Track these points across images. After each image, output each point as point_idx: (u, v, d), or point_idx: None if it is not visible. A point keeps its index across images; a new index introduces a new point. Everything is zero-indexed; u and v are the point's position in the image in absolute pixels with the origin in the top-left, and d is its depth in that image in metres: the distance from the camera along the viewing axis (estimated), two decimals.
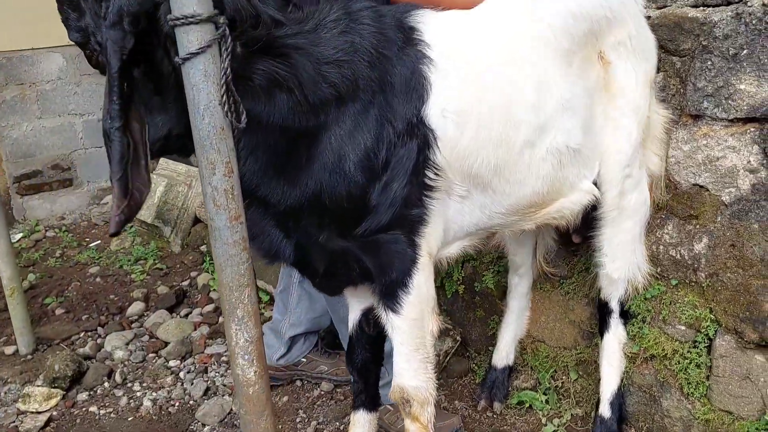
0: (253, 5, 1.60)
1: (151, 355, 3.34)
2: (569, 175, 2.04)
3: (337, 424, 2.76)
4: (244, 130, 1.45)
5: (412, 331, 1.89)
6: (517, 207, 2.01)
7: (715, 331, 2.20)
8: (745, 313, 2.10)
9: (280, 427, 2.79)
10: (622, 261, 2.26)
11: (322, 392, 2.97)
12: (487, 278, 2.86)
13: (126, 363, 3.28)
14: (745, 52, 2.07)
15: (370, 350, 2.27)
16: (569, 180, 2.05)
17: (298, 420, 2.82)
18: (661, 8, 2.34)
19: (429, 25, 1.81)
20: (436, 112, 1.75)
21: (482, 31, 1.90)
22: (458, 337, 2.97)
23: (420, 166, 1.75)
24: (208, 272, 4.07)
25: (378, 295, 1.89)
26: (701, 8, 2.23)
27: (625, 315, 2.38)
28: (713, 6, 2.22)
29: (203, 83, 1.36)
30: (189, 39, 1.34)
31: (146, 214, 4.48)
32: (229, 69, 1.37)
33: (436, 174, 1.78)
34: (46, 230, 5.05)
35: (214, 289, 3.89)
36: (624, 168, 2.12)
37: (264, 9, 1.62)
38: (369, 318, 2.19)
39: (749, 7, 2.08)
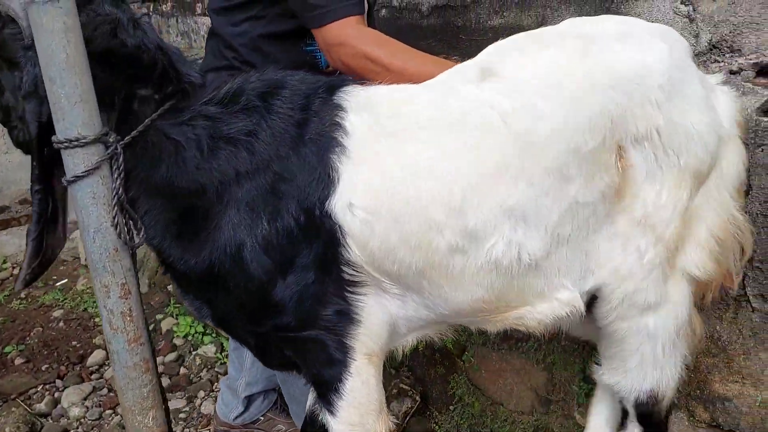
0: (179, 73, 1.57)
1: (108, 411, 3.26)
2: (531, 284, 1.69)
3: None
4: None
5: None
6: (462, 311, 1.72)
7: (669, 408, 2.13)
8: (696, 392, 2.03)
9: None
10: (630, 380, 1.82)
11: None
12: (446, 339, 2.79)
13: (81, 421, 3.20)
14: None
15: None
16: (532, 290, 1.70)
17: None
18: None
19: (354, 104, 1.62)
20: (342, 206, 1.54)
21: (415, 114, 1.62)
22: (417, 397, 2.90)
23: (330, 262, 1.58)
24: (173, 316, 3.99)
25: (312, 391, 1.79)
26: None
27: (652, 424, 1.90)
28: None
29: (92, 206, 1.29)
30: (74, 161, 1.27)
31: None
32: (121, 188, 1.29)
33: (355, 271, 1.59)
34: (14, 267, 4.97)
35: (177, 335, 3.81)
36: (632, 294, 1.69)
37: (187, 74, 1.60)
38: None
39: None
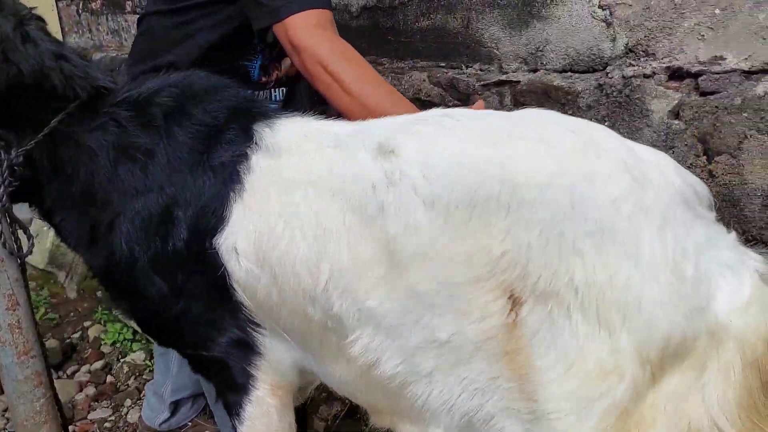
0: (86, 78, 1.52)
1: None
2: (398, 400, 1.40)
3: None
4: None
5: None
6: (350, 388, 1.54)
7: None
8: None
9: None
10: None
11: None
12: None
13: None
14: (606, 124, 2.02)
15: None
16: (402, 406, 1.42)
17: None
18: (532, 71, 2.29)
19: (267, 139, 1.49)
20: (228, 248, 1.45)
21: (315, 168, 1.41)
22: (347, 400, 2.87)
23: (225, 292, 1.50)
24: (101, 323, 3.88)
25: None
26: (568, 74, 2.18)
27: None
28: (580, 72, 2.16)
29: None
30: None
31: (38, 259, 4.25)
32: (5, 197, 1.24)
33: (250, 311, 1.51)
34: None
35: (105, 342, 3.70)
36: None
37: (95, 77, 1.54)
38: None
39: (610, 78, 2.03)
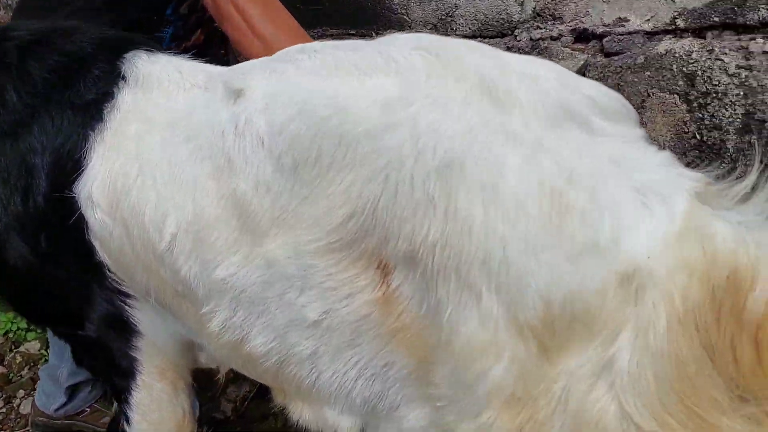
0: None
1: None
2: (296, 379, 1.23)
3: None
4: None
5: None
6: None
7: None
8: None
9: None
10: None
11: None
12: None
13: None
14: None
15: None
16: (300, 386, 1.23)
17: None
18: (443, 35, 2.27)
19: (136, 76, 1.32)
20: (85, 197, 1.26)
21: (176, 106, 1.27)
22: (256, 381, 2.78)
23: (89, 259, 1.31)
24: None
25: None
26: (477, 39, 2.17)
27: None
28: (490, 37, 2.16)
29: None
30: None
31: None
32: None
33: (116, 277, 1.32)
34: None
35: None
36: None
37: None
38: None
39: (519, 41, 2.03)
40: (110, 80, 1.31)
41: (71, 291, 1.37)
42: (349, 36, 2.53)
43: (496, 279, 0.89)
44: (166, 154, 1.20)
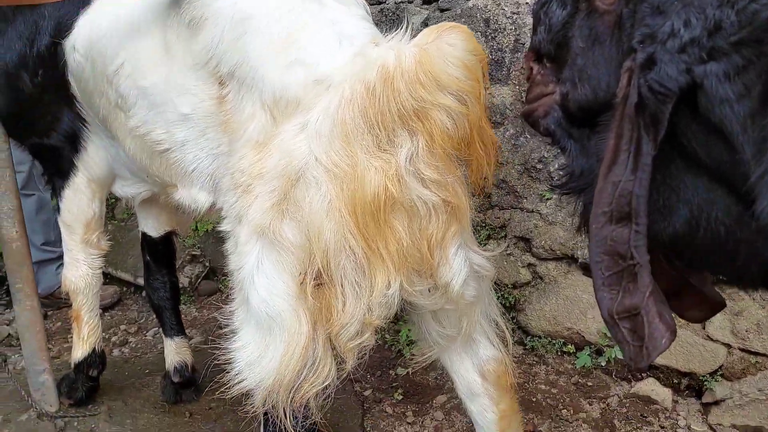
0: None
1: None
2: (166, 167, 1.96)
3: (104, 335, 3.34)
4: None
5: (65, 230, 2.39)
6: (137, 165, 2.11)
7: None
8: None
9: (52, 345, 3.29)
10: None
11: None
12: None
13: None
14: (385, 33, 3.03)
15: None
16: (178, 171, 1.93)
17: (70, 336, 3.36)
18: None
19: None
20: (69, 46, 2.02)
21: None
22: (207, 263, 3.68)
23: (65, 90, 2.07)
24: None
25: None
26: None
27: None
28: (371, 4, 3.17)
29: None
30: None
31: None
32: None
33: (80, 106, 2.08)
34: None
35: None
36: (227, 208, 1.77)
37: None
38: None
39: (387, 5, 3.05)
40: None
41: (49, 112, 2.18)
42: None
43: (251, 80, 1.62)
44: (130, 8, 1.90)
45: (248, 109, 1.62)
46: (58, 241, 3.52)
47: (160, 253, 2.61)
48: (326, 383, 1.56)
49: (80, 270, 2.38)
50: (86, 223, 2.36)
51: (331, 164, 1.44)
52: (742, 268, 1.05)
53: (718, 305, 1.30)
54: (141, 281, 3.17)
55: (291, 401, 1.55)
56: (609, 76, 1.11)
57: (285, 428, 1.59)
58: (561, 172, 1.46)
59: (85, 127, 2.18)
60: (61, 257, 3.51)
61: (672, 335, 1.04)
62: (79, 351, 2.51)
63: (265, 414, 1.86)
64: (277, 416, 1.59)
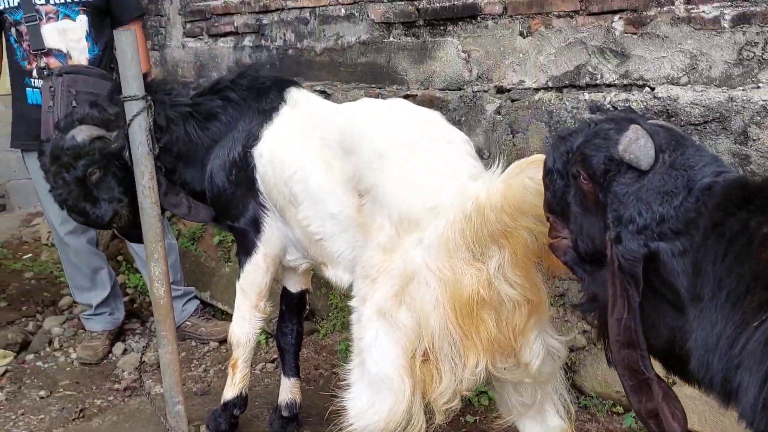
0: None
1: (81, 330, 4.42)
2: (319, 252, 2.57)
3: (221, 366, 3.96)
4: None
5: (240, 294, 2.88)
6: (300, 247, 2.72)
7: None
8: None
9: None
10: None
11: (211, 348, 4.19)
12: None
13: (61, 336, 4.36)
14: (462, 119, 3.50)
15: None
16: (329, 255, 2.52)
17: (192, 365, 4.00)
18: (425, 89, 3.78)
19: (290, 100, 2.72)
20: (258, 153, 2.66)
21: (301, 120, 2.67)
22: (307, 306, 4.23)
23: (253, 184, 2.68)
24: (125, 273, 5.17)
25: None
26: (445, 91, 3.67)
27: None
28: (451, 90, 3.65)
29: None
30: (131, 108, 2.61)
31: None
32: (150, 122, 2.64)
33: (262, 196, 2.68)
34: None
35: (129, 287, 5.00)
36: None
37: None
38: None
39: (466, 93, 3.53)
40: (278, 102, 2.77)
41: (239, 202, 2.79)
42: (371, 88, 4.05)
43: (383, 199, 2.16)
44: (296, 136, 2.62)
45: (378, 219, 2.15)
46: (182, 281, 4.24)
47: (294, 305, 3.16)
48: None
49: (245, 328, 2.88)
50: (259, 292, 2.87)
51: (438, 270, 1.92)
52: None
53: None
54: None
55: None
56: (602, 235, 1.56)
57: None
58: (580, 296, 1.94)
59: (265, 213, 2.75)
60: (185, 295, 4.24)
61: (682, 428, 1.48)
62: (230, 393, 2.97)
63: None
64: None
